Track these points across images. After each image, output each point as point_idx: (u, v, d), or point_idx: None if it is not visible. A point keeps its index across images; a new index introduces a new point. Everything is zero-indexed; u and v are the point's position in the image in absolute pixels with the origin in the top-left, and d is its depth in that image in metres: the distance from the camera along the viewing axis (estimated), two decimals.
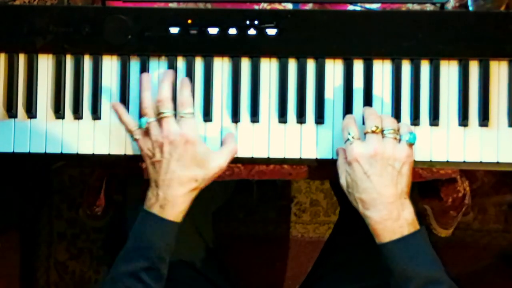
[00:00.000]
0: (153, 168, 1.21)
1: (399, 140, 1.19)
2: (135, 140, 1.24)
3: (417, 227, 1.17)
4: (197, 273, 1.44)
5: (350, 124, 1.21)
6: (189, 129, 1.20)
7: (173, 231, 1.20)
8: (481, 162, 1.27)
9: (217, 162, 1.21)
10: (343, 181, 1.20)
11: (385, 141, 1.18)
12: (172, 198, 1.19)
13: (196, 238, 1.49)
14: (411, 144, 1.19)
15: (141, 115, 1.24)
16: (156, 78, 1.29)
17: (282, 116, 1.28)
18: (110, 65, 1.30)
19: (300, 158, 1.28)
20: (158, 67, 1.29)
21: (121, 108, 1.25)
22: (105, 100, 1.29)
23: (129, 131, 1.24)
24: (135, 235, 1.20)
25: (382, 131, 1.19)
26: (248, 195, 1.98)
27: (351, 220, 1.32)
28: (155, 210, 1.19)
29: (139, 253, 1.18)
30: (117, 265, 1.19)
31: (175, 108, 1.22)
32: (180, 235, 1.44)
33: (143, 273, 1.17)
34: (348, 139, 1.19)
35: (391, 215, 1.15)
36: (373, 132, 1.18)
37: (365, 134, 1.19)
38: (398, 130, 1.20)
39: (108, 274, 1.21)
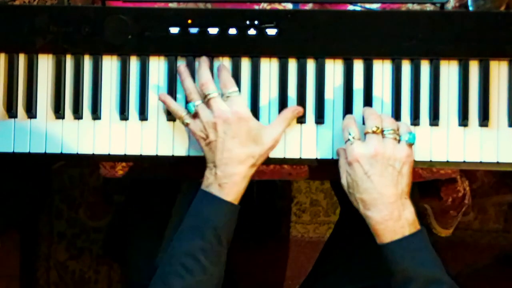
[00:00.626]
0: (209, 149, 1.21)
1: (399, 141, 1.19)
2: (186, 125, 1.24)
3: (418, 227, 1.17)
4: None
5: (350, 124, 1.21)
6: (240, 106, 1.21)
7: (231, 213, 1.19)
8: (481, 162, 1.27)
9: (271, 136, 1.22)
10: (344, 181, 1.20)
11: (385, 142, 1.18)
12: (231, 176, 1.19)
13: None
14: (410, 144, 1.19)
15: (187, 102, 1.24)
16: (156, 78, 1.29)
17: None
18: (110, 65, 1.30)
19: (300, 158, 1.28)
20: (158, 67, 1.29)
21: (168, 98, 1.27)
22: (105, 100, 1.29)
23: (179, 118, 1.25)
24: (192, 213, 1.19)
25: (382, 131, 1.19)
26: (248, 195, 1.98)
27: (352, 220, 1.32)
28: (214, 189, 1.19)
29: (196, 232, 1.17)
30: (174, 244, 1.18)
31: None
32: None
33: (199, 252, 1.15)
34: (348, 140, 1.19)
35: (392, 215, 1.15)
36: (373, 132, 1.18)
37: (365, 134, 1.19)
38: (398, 130, 1.20)
39: (164, 253, 1.19)
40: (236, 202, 1.20)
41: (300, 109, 1.26)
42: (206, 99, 1.22)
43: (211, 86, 1.23)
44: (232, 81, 1.24)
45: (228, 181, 1.18)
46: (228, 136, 1.19)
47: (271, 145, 1.22)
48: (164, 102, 1.27)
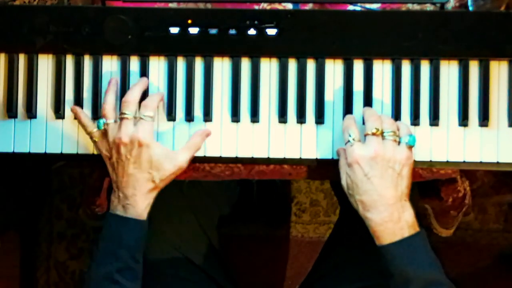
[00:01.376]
0: (113, 169, 1.22)
1: (399, 143, 1.19)
2: (94, 143, 1.24)
3: (417, 229, 1.17)
4: (203, 273, 1.45)
5: (350, 126, 1.21)
6: (144, 132, 1.20)
7: (139, 229, 1.21)
8: (481, 162, 1.27)
9: (175, 163, 1.22)
10: (343, 182, 1.20)
11: (385, 143, 1.18)
12: (132, 198, 1.20)
13: (202, 238, 1.49)
14: (410, 147, 1.19)
15: (100, 117, 1.24)
16: (156, 78, 1.29)
17: (282, 116, 1.28)
18: (110, 65, 1.30)
19: (300, 158, 1.28)
20: (158, 67, 1.29)
21: (79, 111, 1.27)
22: None
23: (88, 133, 1.25)
24: (104, 238, 1.22)
25: (382, 133, 1.19)
26: (248, 195, 1.98)
27: (351, 220, 1.32)
28: (119, 211, 1.21)
29: (110, 255, 1.19)
30: (90, 270, 1.20)
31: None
32: (185, 233, 1.44)
33: (117, 274, 1.18)
34: (348, 141, 1.19)
35: (391, 217, 1.15)
36: (373, 134, 1.18)
37: (365, 136, 1.19)
38: (398, 131, 1.20)
39: (84, 281, 1.22)
40: (142, 218, 1.21)
41: (208, 131, 1.26)
42: (120, 117, 1.21)
43: (131, 107, 1.22)
44: (154, 107, 1.22)
45: (130, 202, 1.20)
46: (130, 160, 1.20)
47: (174, 171, 1.22)
48: (75, 114, 1.27)
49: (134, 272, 1.20)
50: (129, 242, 1.20)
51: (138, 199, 1.20)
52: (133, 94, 1.23)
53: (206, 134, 1.26)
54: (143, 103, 1.22)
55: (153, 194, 1.22)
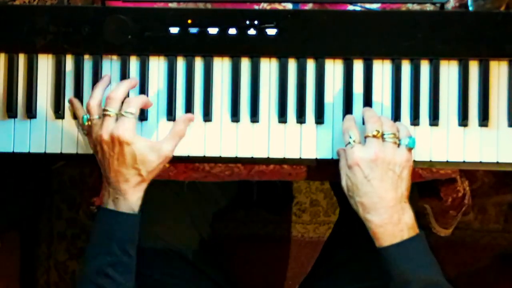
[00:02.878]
0: (101, 164, 1.22)
1: (399, 145, 1.19)
2: (85, 135, 1.25)
3: (417, 231, 1.17)
4: (196, 270, 1.45)
5: (351, 127, 1.21)
6: (125, 129, 1.18)
7: (131, 223, 1.21)
8: (481, 162, 1.27)
9: (160, 153, 1.20)
10: (344, 184, 1.20)
11: (385, 146, 1.18)
12: (121, 192, 1.20)
13: (191, 231, 1.49)
14: (410, 149, 1.19)
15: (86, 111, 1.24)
16: (156, 78, 1.29)
17: (282, 116, 1.28)
18: (110, 65, 1.30)
19: (300, 158, 1.28)
20: (158, 67, 1.29)
21: (75, 101, 1.27)
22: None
23: (81, 125, 1.26)
24: (95, 232, 1.22)
25: (382, 135, 1.19)
26: (248, 195, 1.98)
27: (351, 221, 1.32)
28: (110, 205, 1.21)
29: (101, 249, 1.20)
30: (83, 266, 1.21)
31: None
32: (178, 231, 1.44)
33: (109, 269, 1.18)
34: (349, 143, 1.19)
35: (391, 219, 1.15)
36: (373, 136, 1.18)
37: (365, 138, 1.19)
38: (398, 133, 1.20)
39: (77, 276, 1.22)
40: (133, 211, 1.21)
41: (191, 115, 1.25)
42: (103, 113, 1.21)
43: (115, 104, 1.20)
44: (137, 104, 1.21)
45: (120, 196, 1.20)
46: (113, 157, 1.19)
47: (159, 162, 1.21)
48: (71, 105, 1.27)
49: (126, 266, 1.20)
50: (121, 236, 1.20)
51: (127, 193, 1.20)
52: (118, 92, 1.21)
53: (189, 119, 1.25)
54: (126, 99, 1.21)
55: (143, 187, 1.21)
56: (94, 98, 1.23)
